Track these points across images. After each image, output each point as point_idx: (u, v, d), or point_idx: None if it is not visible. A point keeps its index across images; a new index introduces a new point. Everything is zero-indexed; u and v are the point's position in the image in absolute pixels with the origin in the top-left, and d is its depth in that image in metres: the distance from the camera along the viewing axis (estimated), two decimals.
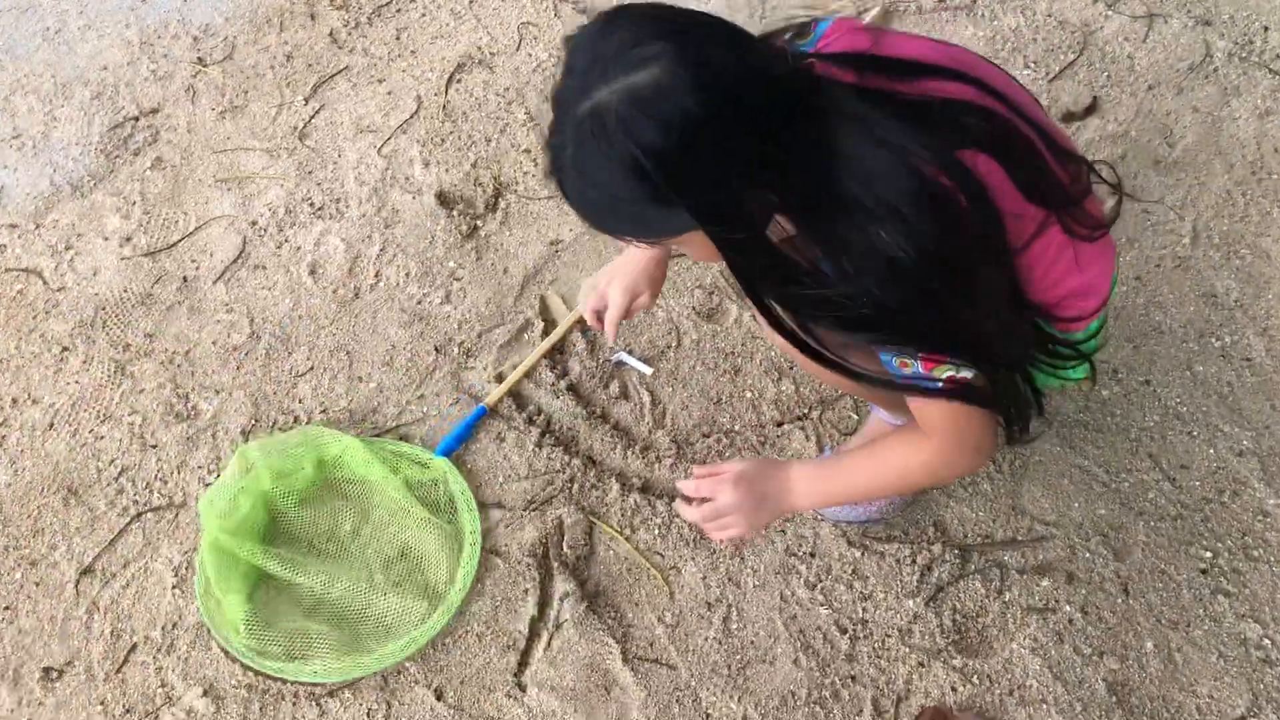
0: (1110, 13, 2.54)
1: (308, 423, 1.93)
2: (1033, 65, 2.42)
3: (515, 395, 1.95)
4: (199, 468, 1.89)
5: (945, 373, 1.25)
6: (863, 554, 1.76)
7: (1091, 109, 2.35)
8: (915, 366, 1.26)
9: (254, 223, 2.24)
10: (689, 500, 1.49)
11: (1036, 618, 1.68)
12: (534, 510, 1.81)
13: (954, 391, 1.26)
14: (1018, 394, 1.32)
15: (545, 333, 2.03)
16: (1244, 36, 2.47)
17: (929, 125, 1.15)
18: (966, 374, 1.25)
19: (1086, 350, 1.39)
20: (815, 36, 1.27)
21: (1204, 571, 1.71)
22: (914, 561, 1.74)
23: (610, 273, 1.67)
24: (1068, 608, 1.69)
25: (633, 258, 1.62)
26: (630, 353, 2.00)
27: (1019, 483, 1.82)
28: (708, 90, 1.01)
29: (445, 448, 1.85)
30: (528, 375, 1.97)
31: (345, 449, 1.80)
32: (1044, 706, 1.60)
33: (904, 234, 1.12)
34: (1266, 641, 1.64)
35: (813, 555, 1.76)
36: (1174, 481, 1.81)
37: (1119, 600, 1.69)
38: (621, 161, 1.02)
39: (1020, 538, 1.76)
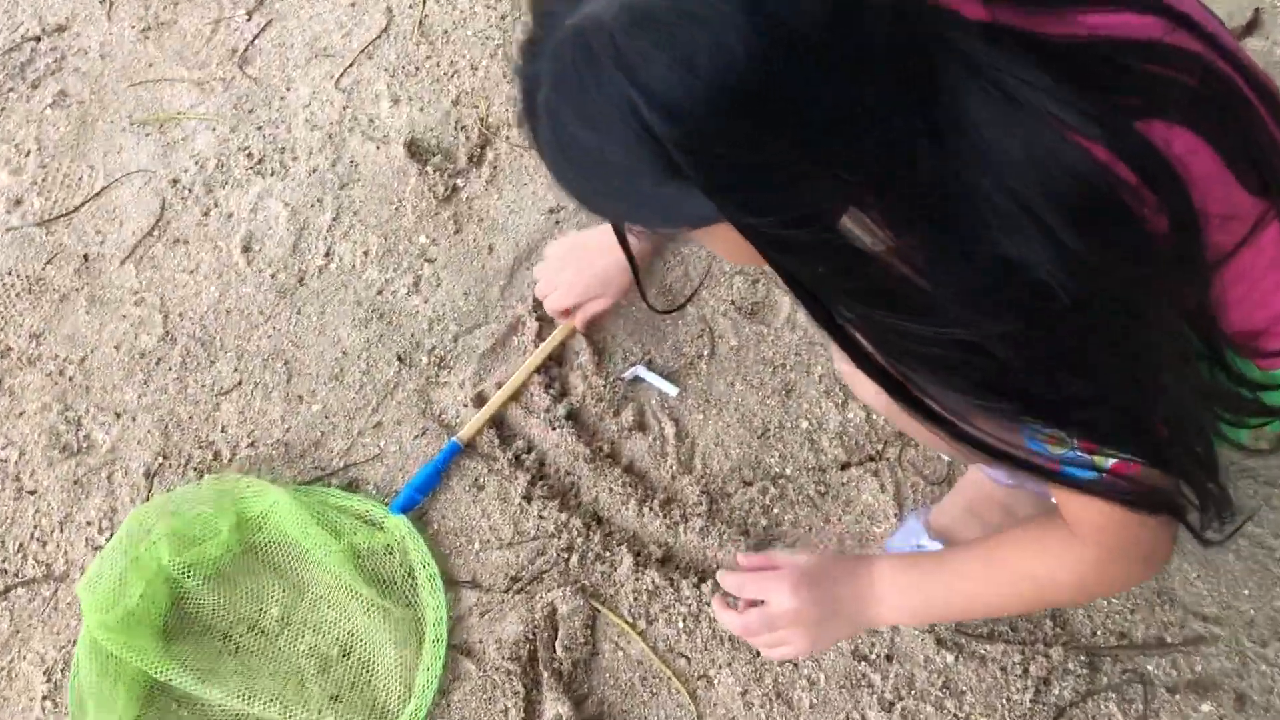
0: None
1: (231, 459, 1.49)
2: None
3: (497, 424, 1.50)
4: (88, 524, 1.46)
5: (1111, 459, 0.84)
6: (957, 658, 1.31)
7: (1252, 26, 1.81)
8: (1072, 446, 0.84)
9: (176, 181, 1.77)
10: (731, 601, 1.11)
11: None
12: (519, 592, 1.37)
13: (1121, 489, 0.85)
14: (1211, 474, 0.87)
15: (541, 336, 1.57)
16: None
17: (1094, 83, 0.74)
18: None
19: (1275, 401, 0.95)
20: None
21: None
22: (1026, 671, 1.30)
23: (564, 254, 1.42)
24: None
25: (597, 243, 1.35)
26: (649, 365, 1.53)
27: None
28: (759, 14, 0.65)
29: (405, 501, 1.41)
30: (515, 398, 1.51)
31: (272, 506, 1.37)
32: None
33: (1052, 255, 0.72)
34: None
35: (890, 660, 1.32)
36: None
37: None
38: (615, 110, 0.67)
39: (1170, 639, 1.31)
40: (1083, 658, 1.30)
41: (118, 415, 1.54)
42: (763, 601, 1.09)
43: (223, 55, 1.93)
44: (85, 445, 1.52)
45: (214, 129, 1.82)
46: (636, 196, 0.75)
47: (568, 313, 1.48)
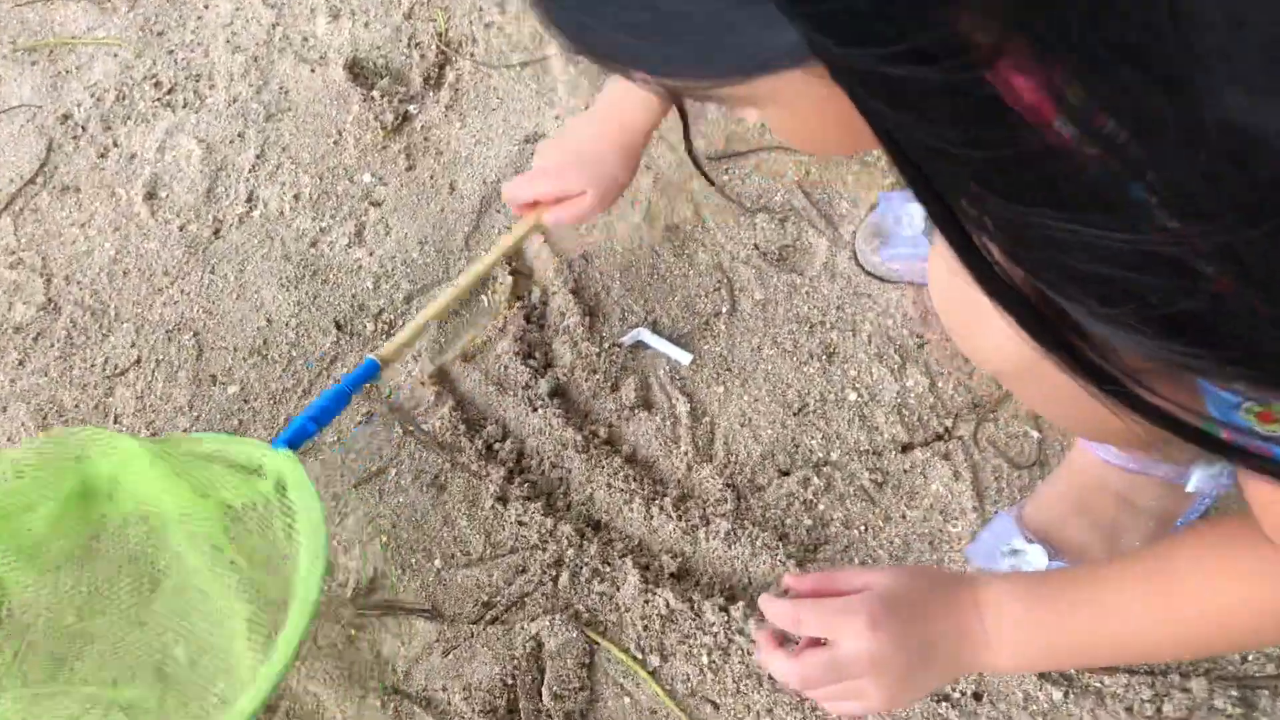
0: None
1: None
2: None
3: (464, 406, 1.18)
4: None
5: None
6: (1065, 695, 1.00)
7: None
8: None
9: (66, 117, 1.44)
10: (781, 639, 0.83)
11: None
12: (493, 623, 1.05)
13: None
14: None
15: (516, 293, 1.25)
16: None
17: None
18: None
19: None
20: None
21: None
22: (1159, 712, 0.99)
23: (545, 147, 1.14)
24: None
25: (588, 131, 1.09)
26: (654, 328, 1.22)
27: None
28: None
29: (295, 433, 1.04)
30: (487, 371, 1.19)
31: (123, 463, 1.03)
32: None
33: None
34: None
35: (979, 699, 1.01)
36: None
37: None
38: None
39: None
40: (1233, 692, 0.99)
41: None
42: (826, 640, 0.78)
43: None
44: None
45: (115, 55, 1.49)
46: (681, 25, 0.47)
47: (532, 207, 1.14)
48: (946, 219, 0.47)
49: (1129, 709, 0.99)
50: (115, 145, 1.41)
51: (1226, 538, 0.72)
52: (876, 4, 0.41)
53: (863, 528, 1.10)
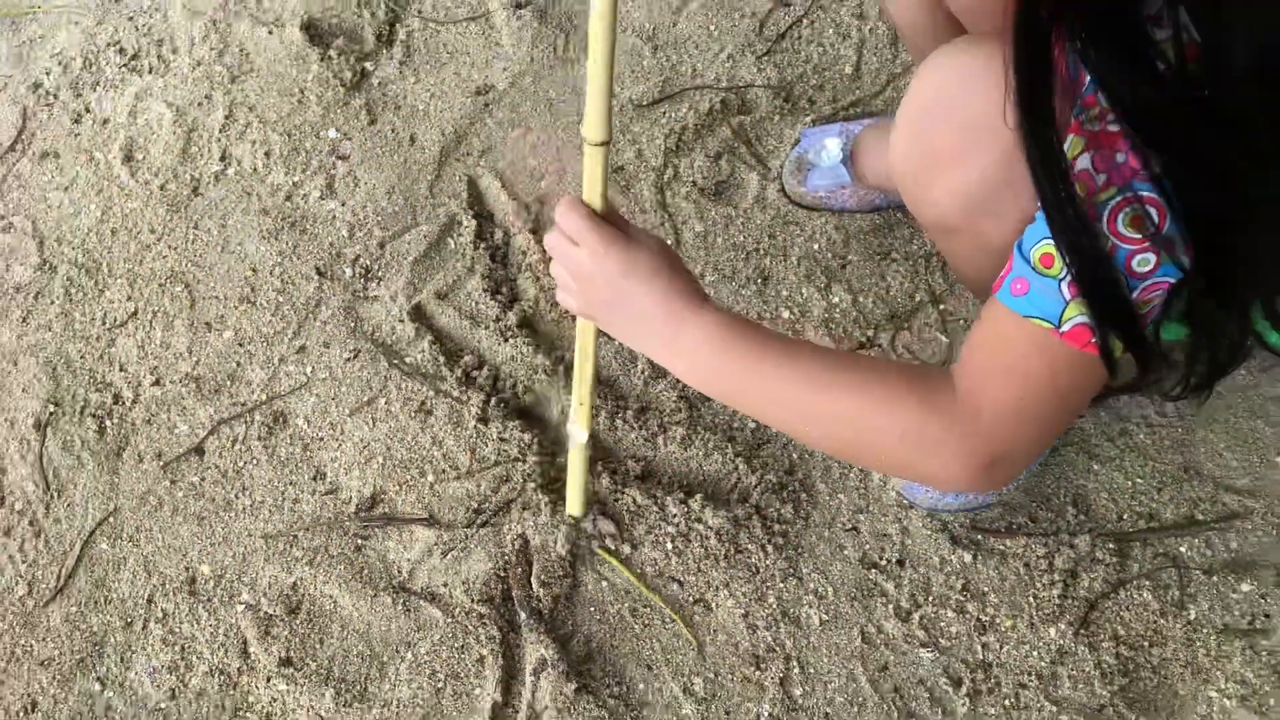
0: None
1: (134, 400, 1.29)
2: None
3: (441, 339, 1.32)
4: None
5: (1147, 265, 0.70)
6: (975, 557, 1.19)
7: None
8: (1169, 261, 0.70)
9: (37, 85, 1.52)
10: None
11: (1241, 645, 1.13)
12: (483, 526, 1.20)
13: (1119, 308, 0.71)
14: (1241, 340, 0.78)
15: (480, 235, 1.38)
16: None
17: None
18: (1159, 288, 0.71)
19: None
20: None
21: None
22: (1050, 565, 1.18)
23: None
24: None
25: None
26: None
27: (1189, 428, 1.25)
28: None
29: None
30: (459, 308, 1.33)
31: None
32: None
33: None
34: None
35: (902, 565, 1.19)
36: None
37: None
38: None
39: (1201, 516, 1.20)
40: (1111, 545, 1.18)
41: None
42: (576, 246, 0.88)
43: None
44: None
45: (76, 22, 1.57)
46: None
47: None
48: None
49: (1026, 564, 1.18)
50: (88, 111, 1.50)
51: (904, 372, 0.82)
52: None
53: None
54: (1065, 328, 0.73)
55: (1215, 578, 1.17)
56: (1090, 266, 0.70)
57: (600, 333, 0.95)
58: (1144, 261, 0.70)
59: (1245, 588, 1.16)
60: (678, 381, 1.29)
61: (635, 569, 1.19)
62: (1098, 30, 0.63)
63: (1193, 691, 1.12)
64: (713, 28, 1.52)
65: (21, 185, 1.44)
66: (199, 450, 1.26)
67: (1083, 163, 0.69)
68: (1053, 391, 0.77)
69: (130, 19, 1.57)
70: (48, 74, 1.53)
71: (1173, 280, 0.71)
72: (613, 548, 1.18)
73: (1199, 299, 0.73)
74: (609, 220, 0.86)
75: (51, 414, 1.28)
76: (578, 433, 1.05)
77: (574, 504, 1.18)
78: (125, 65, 1.53)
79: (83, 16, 1.57)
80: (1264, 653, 1.13)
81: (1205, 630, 1.14)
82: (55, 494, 1.24)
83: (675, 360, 0.87)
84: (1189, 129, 0.64)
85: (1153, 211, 0.68)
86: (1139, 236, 0.69)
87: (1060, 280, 0.72)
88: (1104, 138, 0.68)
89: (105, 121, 1.48)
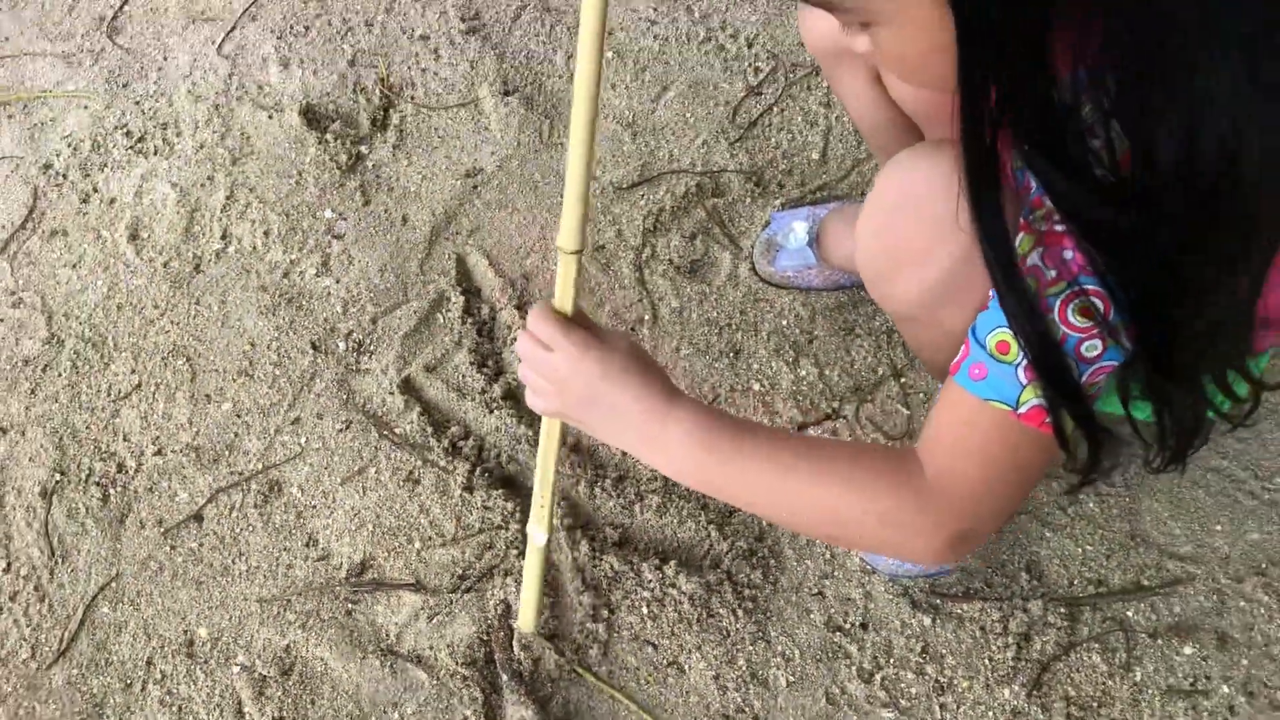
0: None
1: (137, 469, 1.36)
2: None
3: (430, 411, 1.39)
4: None
5: (1095, 351, 0.78)
6: (934, 621, 1.25)
7: None
8: (1115, 346, 0.78)
9: (47, 166, 1.60)
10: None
11: (1183, 706, 1.20)
12: (468, 591, 1.27)
13: (1071, 392, 0.78)
14: (1200, 420, 0.85)
15: (467, 310, 1.45)
16: None
17: None
18: (1104, 371, 0.79)
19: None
20: None
21: None
22: (1005, 628, 1.24)
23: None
24: (1225, 688, 1.21)
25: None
26: None
27: (1136, 497, 1.32)
28: None
29: None
30: (447, 380, 1.40)
31: None
32: None
33: (1232, 123, 0.66)
34: None
35: (865, 628, 1.26)
36: None
37: None
38: None
39: (1147, 582, 1.27)
40: (1062, 609, 1.25)
41: (3, 431, 1.39)
42: (548, 351, 0.92)
43: (89, 24, 1.76)
44: None
45: (85, 106, 1.66)
46: None
47: None
48: (979, 124, 0.69)
49: (982, 628, 1.25)
50: (95, 191, 1.58)
51: (875, 455, 0.89)
52: None
53: None
54: (1023, 410, 0.80)
55: (1160, 641, 1.24)
56: (1044, 354, 0.77)
57: (564, 439, 1.00)
58: (1091, 347, 0.77)
59: (1188, 650, 1.23)
60: None
61: (614, 631, 1.25)
62: (1038, 142, 0.71)
63: None
64: (689, 115, 1.62)
65: (32, 262, 1.52)
66: (198, 517, 1.32)
67: (1033, 259, 0.77)
68: (1013, 469, 0.85)
69: (137, 103, 1.65)
70: (58, 155, 1.61)
71: (1117, 363, 0.79)
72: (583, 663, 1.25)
73: (1153, 378, 0.80)
74: (579, 324, 0.92)
75: (57, 482, 1.35)
76: (536, 534, 1.10)
77: (526, 615, 1.21)
78: (132, 147, 1.61)
79: (92, 101, 1.65)
80: (1205, 713, 1.19)
81: (1150, 691, 1.21)
82: (60, 560, 1.30)
83: (656, 455, 0.92)
84: (1126, 227, 0.72)
85: (1098, 302, 0.75)
86: (1088, 324, 0.76)
87: (1016, 366, 0.79)
88: (1051, 236, 0.76)
89: (112, 201, 1.56)
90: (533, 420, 1.38)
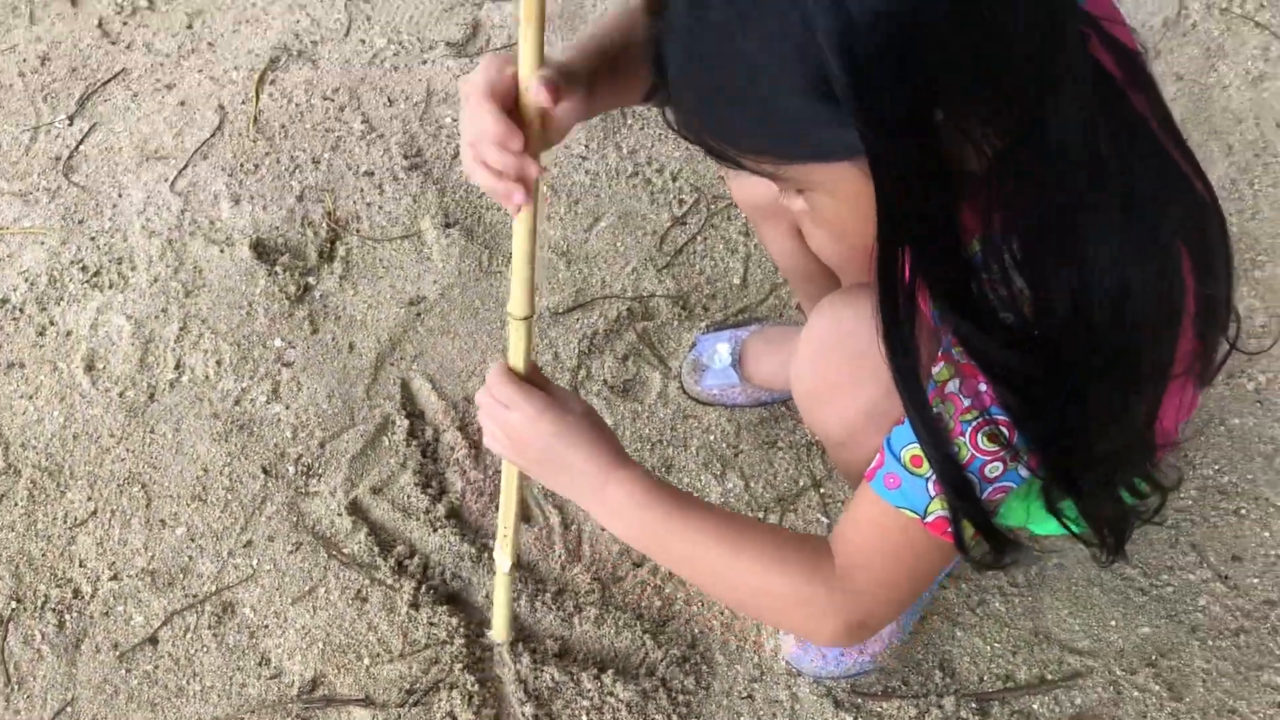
0: None
1: (93, 595, 1.41)
2: None
3: (376, 531, 1.46)
4: None
5: (996, 472, 0.88)
6: (855, 716, 1.34)
7: None
8: (1015, 468, 0.88)
9: (5, 301, 1.67)
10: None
11: None
12: (416, 705, 1.33)
13: (974, 507, 0.89)
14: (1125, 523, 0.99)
15: (412, 433, 1.54)
16: None
17: (1165, 187, 0.83)
18: (1003, 490, 0.90)
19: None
20: None
21: None
22: None
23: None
24: None
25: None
26: None
27: (1038, 596, 1.43)
28: None
29: None
30: (393, 501, 1.48)
31: None
32: None
33: (1117, 276, 0.79)
34: None
35: None
36: (1227, 580, 1.43)
37: None
38: (783, 17, 0.68)
39: (1050, 676, 1.37)
40: (973, 704, 1.34)
41: None
42: (505, 407, 1.01)
43: (45, 164, 1.84)
44: None
45: (42, 242, 1.73)
46: (765, 110, 0.74)
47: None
48: (893, 270, 0.78)
49: None
50: (52, 324, 1.65)
51: (796, 541, 1.01)
52: (908, 127, 0.71)
53: (699, 604, 1.42)
54: (929, 518, 0.90)
55: None
56: (950, 473, 0.87)
57: (524, 478, 1.10)
58: (994, 469, 0.88)
59: None
60: (592, 564, 1.44)
61: None
62: (945, 294, 0.81)
63: None
64: (619, 244, 1.74)
65: None
66: (153, 640, 1.38)
67: (951, 387, 0.87)
68: (914, 568, 0.95)
69: (92, 239, 1.73)
70: (15, 290, 1.68)
71: (1014, 485, 0.90)
72: None
73: (1071, 494, 0.90)
74: (535, 383, 1.01)
75: (13, 610, 1.39)
76: (502, 561, 1.21)
77: (499, 630, 1.34)
78: (87, 282, 1.69)
79: (48, 237, 1.73)
80: None
81: None
82: (15, 686, 1.34)
83: (600, 510, 1.02)
84: (1028, 370, 0.83)
85: (1004, 430, 0.85)
86: (995, 449, 0.86)
87: (927, 479, 0.89)
88: (968, 369, 0.86)
89: (69, 334, 1.63)
90: (474, 538, 1.46)
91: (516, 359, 1.00)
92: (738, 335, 1.58)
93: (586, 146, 1.84)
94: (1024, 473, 0.88)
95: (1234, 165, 1.83)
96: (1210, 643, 1.39)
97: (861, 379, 1.00)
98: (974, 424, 0.86)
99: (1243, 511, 1.48)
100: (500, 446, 1.04)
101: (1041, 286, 0.79)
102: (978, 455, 0.87)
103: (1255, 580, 1.43)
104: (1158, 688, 1.35)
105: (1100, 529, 0.97)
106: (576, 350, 1.62)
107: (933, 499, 0.89)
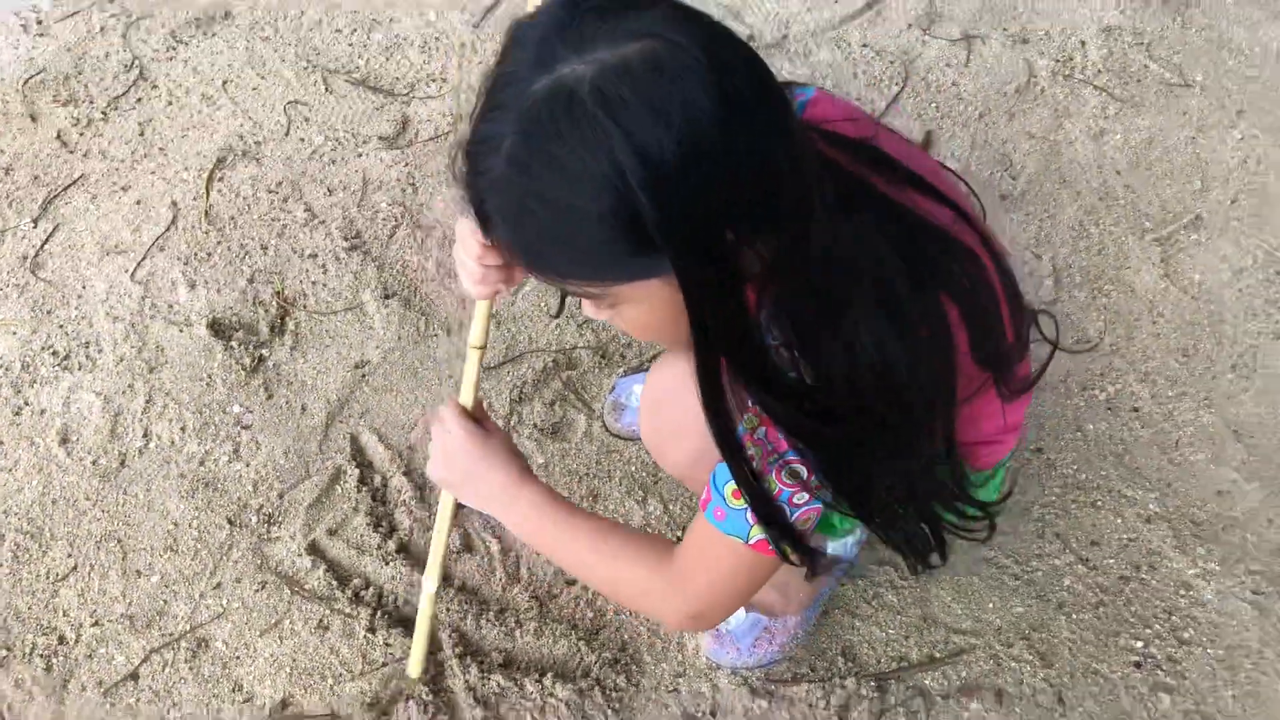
0: (927, 37, 2.40)
1: (77, 639, 1.55)
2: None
3: (334, 568, 1.62)
4: None
5: (803, 499, 1.05)
6: (770, 703, 1.51)
7: (926, 144, 2.19)
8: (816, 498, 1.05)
9: None
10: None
11: None
12: (380, 715, 1.48)
13: (786, 530, 1.06)
14: (934, 540, 1.17)
15: (362, 481, 1.71)
16: (1062, 53, 2.37)
17: (917, 246, 0.99)
18: (812, 511, 1.07)
19: (988, 497, 1.25)
20: (800, 104, 1.10)
21: (1138, 665, 1.54)
22: (828, 703, 1.51)
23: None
24: None
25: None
26: None
27: (925, 587, 1.62)
28: (720, 85, 0.80)
29: None
30: (348, 540, 1.64)
31: None
32: None
33: (876, 345, 0.94)
34: None
35: (714, 715, 1.51)
36: (1087, 562, 1.64)
37: (1057, 715, 1.50)
38: (591, 155, 0.79)
39: (938, 654, 1.56)
40: (872, 684, 1.53)
41: None
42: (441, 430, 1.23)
43: (13, 263, 2.01)
44: None
45: (14, 332, 1.89)
46: (589, 250, 0.85)
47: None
48: (708, 363, 0.92)
49: (810, 705, 1.51)
50: (27, 404, 1.80)
51: (657, 544, 1.19)
52: (708, 251, 0.84)
53: (626, 614, 1.59)
54: (752, 541, 1.07)
55: (951, 701, 1.52)
56: (761, 505, 1.04)
57: (458, 508, 1.31)
58: (800, 498, 1.05)
59: (974, 706, 1.51)
60: (529, 584, 1.61)
61: None
62: (740, 365, 0.95)
63: None
64: (543, 304, 1.94)
65: None
66: (134, 676, 1.52)
67: (759, 434, 1.02)
68: (741, 579, 1.13)
69: (61, 326, 1.90)
70: None
71: (821, 507, 1.06)
72: None
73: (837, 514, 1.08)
74: (476, 415, 1.23)
75: (3, 658, 1.53)
76: (428, 584, 1.38)
77: (414, 662, 1.47)
78: (58, 365, 1.85)
79: (19, 327, 1.89)
80: None
81: None
82: None
83: (508, 518, 1.24)
84: (809, 422, 0.98)
85: (801, 469, 1.02)
86: (795, 483, 1.03)
87: (745, 510, 1.05)
88: (766, 420, 1.01)
89: (43, 412, 1.79)
90: (423, 569, 1.63)
91: (467, 394, 1.23)
92: None
93: None
94: (826, 499, 1.05)
95: (1081, 208, 2.08)
96: (1074, 615, 1.59)
97: (687, 429, 1.14)
98: (777, 464, 1.02)
99: (1098, 503, 1.70)
100: (436, 465, 1.24)
101: (813, 358, 0.96)
102: (784, 488, 1.04)
103: (1111, 561, 1.64)
104: (1031, 657, 1.55)
105: (898, 547, 1.16)
106: (509, 399, 1.81)
107: (752, 526, 1.06)
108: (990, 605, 1.60)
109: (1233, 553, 1.64)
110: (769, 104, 0.85)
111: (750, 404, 1.01)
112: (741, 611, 1.53)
